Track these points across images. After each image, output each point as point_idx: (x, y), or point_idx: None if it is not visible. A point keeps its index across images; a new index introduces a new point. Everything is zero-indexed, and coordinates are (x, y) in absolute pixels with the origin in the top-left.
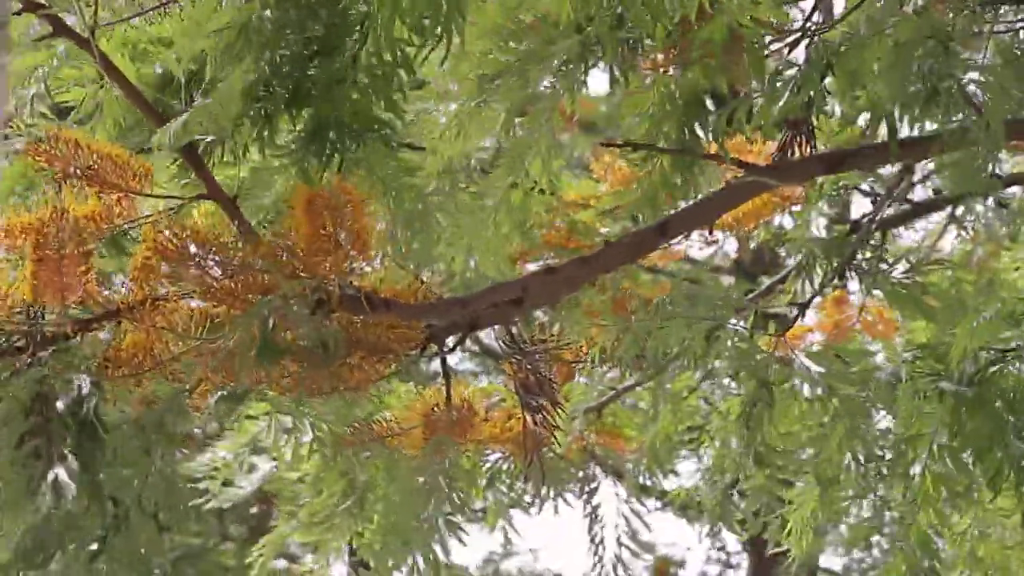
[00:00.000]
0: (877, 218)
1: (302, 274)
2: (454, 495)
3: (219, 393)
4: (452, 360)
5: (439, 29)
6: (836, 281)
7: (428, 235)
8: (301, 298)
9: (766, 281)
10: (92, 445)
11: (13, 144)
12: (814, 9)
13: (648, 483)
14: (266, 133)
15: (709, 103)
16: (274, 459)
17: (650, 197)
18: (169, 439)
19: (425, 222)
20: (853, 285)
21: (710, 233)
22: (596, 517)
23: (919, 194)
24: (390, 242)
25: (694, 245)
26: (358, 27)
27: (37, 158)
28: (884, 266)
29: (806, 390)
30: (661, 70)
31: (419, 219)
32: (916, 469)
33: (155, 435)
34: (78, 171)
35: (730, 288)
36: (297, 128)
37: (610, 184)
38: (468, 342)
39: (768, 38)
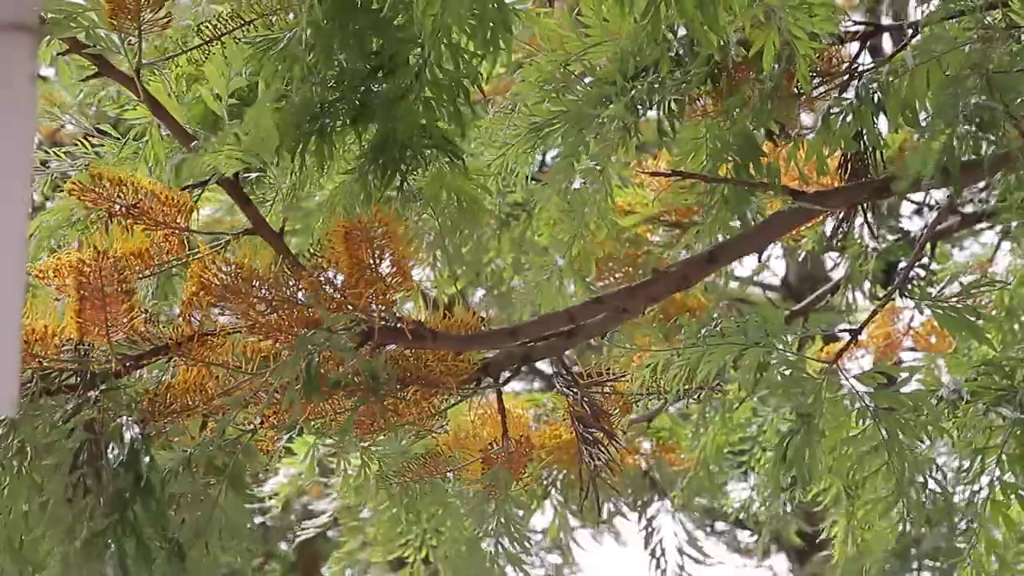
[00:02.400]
0: (929, 232)
1: (346, 307)
2: (513, 529)
3: (287, 436)
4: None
5: (487, 45)
6: (887, 296)
7: (479, 241)
8: (345, 330)
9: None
10: (146, 498)
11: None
12: (861, 50)
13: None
14: (326, 152)
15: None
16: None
17: (713, 230)
18: (235, 483)
19: (475, 228)
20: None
21: (759, 259)
22: (652, 530)
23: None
24: (438, 248)
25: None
26: (419, 42)
27: (82, 198)
28: (934, 284)
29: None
30: (713, 116)
31: (469, 225)
32: (984, 480)
33: (218, 478)
34: (123, 209)
35: (779, 309)
36: (362, 145)
37: (655, 191)
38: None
39: (815, 80)
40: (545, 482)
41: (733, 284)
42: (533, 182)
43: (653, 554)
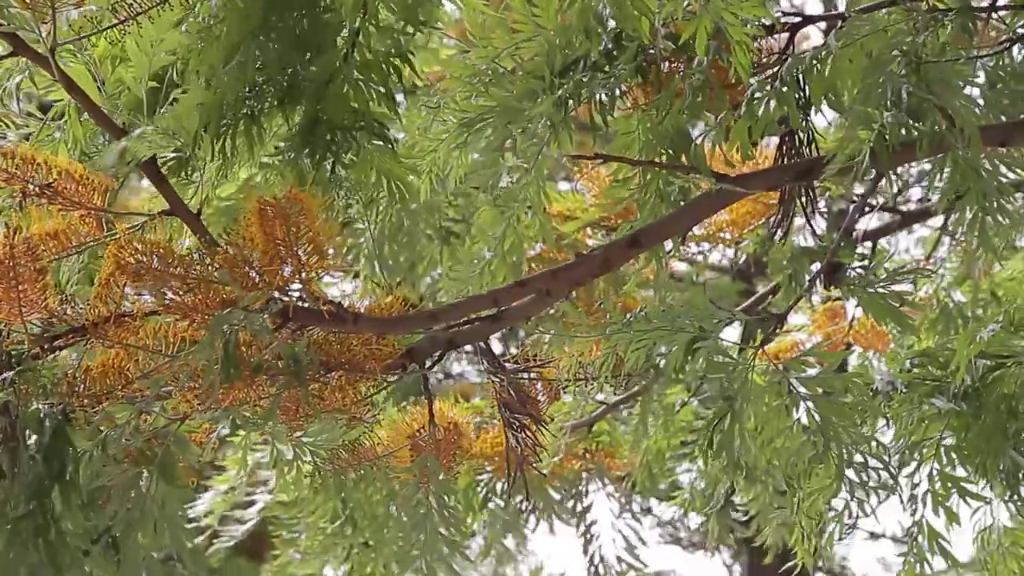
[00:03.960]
0: (855, 225)
1: (260, 285)
2: (449, 520)
3: (221, 427)
4: (456, 367)
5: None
6: (817, 289)
7: (413, 248)
8: (262, 310)
9: (759, 284)
10: (65, 486)
11: None
12: (789, 41)
13: (641, 503)
14: (255, 134)
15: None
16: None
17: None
18: (166, 473)
19: (411, 235)
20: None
21: (683, 243)
22: (591, 535)
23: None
24: (374, 258)
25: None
26: (344, 24)
27: None
28: (866, 275)
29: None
30: (643, 109)
31: (405, 232)
32: (924, 471)
33: (149, 470)
34: (36, 188)
35: (714, 298)
36: (290, 128)
37: (593, 194)
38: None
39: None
40: (484, 489)
41: (681, 266)
42: (472, 189)
43: (592, 560)
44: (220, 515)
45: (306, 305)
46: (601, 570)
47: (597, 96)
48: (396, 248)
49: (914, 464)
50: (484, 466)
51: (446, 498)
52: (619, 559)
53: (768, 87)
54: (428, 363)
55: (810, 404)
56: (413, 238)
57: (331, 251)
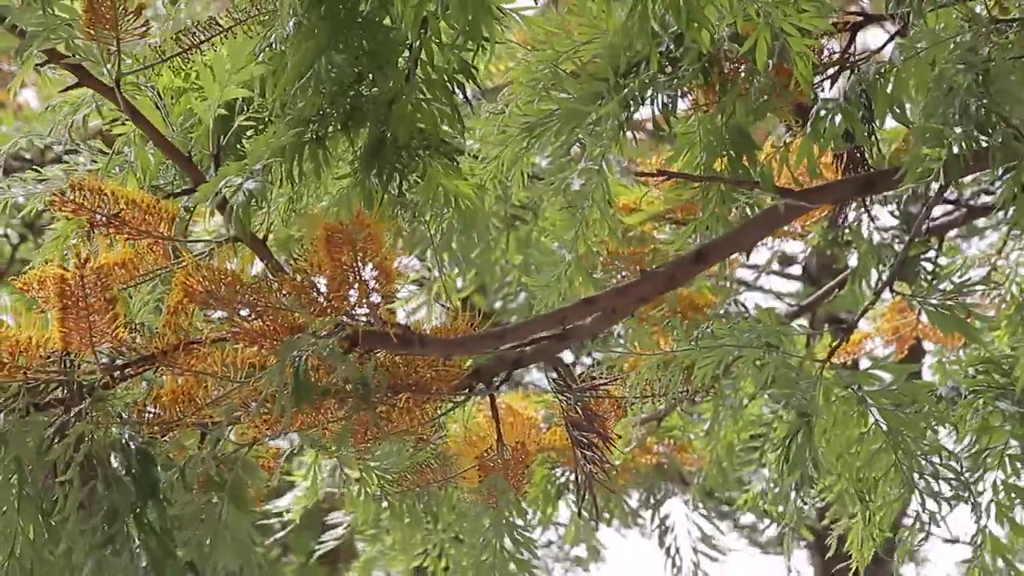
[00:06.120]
0: (926, 222)
1: (330, 311)
2: (519, 539)
3: (288, 451)
4: (528, 376)
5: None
6: (888, 288)
7: (486, 243)
8: (331, 335)
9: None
10: (155, 504)
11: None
12: (851, 41)
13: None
14: (322, 159)
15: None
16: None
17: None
18: (237, 499)
19: (483, 229)
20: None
21: (747, 257)
22: (666, 528)
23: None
24: (445, 252)
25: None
26: (407, 43)
27: (62, 209)
28: (932, 275)
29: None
30: (704, 109)
31: (467, 228)
32: (988, 480)
33: (219, 494)
34: (104, 219)
35: (776, 307)
36: (354, 151)
37: (659, 188)
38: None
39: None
40: (558, 483)
41: (748, 274)
42: (535, 180)
43: (668, 552)
44: (301, 511)
45: (374, 328)
46: (678, 561)
47: (660, 97)
48: (465, 241)
49: (978, 472)
50: (555, 460)
51: (516, 519)
52: (695, 550)
53: (831, 104)
54: (495, 382)
55: (876, 413)
56: (483, 231)
57: (399, 273)
